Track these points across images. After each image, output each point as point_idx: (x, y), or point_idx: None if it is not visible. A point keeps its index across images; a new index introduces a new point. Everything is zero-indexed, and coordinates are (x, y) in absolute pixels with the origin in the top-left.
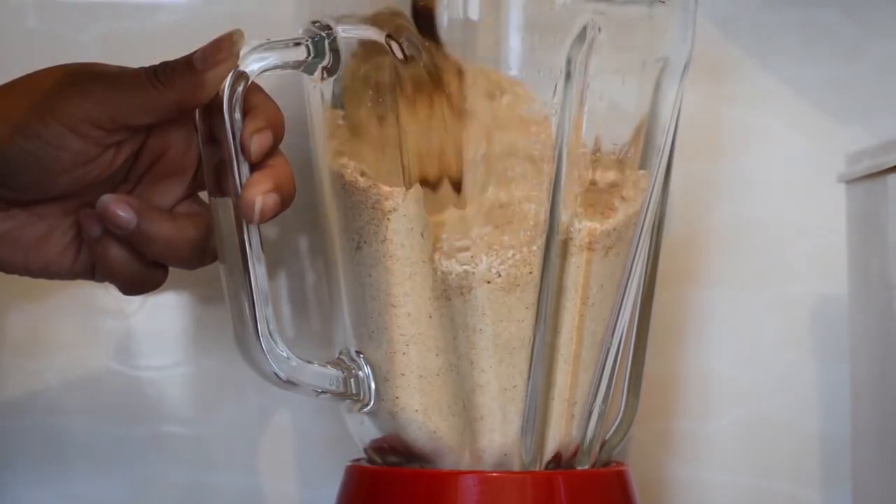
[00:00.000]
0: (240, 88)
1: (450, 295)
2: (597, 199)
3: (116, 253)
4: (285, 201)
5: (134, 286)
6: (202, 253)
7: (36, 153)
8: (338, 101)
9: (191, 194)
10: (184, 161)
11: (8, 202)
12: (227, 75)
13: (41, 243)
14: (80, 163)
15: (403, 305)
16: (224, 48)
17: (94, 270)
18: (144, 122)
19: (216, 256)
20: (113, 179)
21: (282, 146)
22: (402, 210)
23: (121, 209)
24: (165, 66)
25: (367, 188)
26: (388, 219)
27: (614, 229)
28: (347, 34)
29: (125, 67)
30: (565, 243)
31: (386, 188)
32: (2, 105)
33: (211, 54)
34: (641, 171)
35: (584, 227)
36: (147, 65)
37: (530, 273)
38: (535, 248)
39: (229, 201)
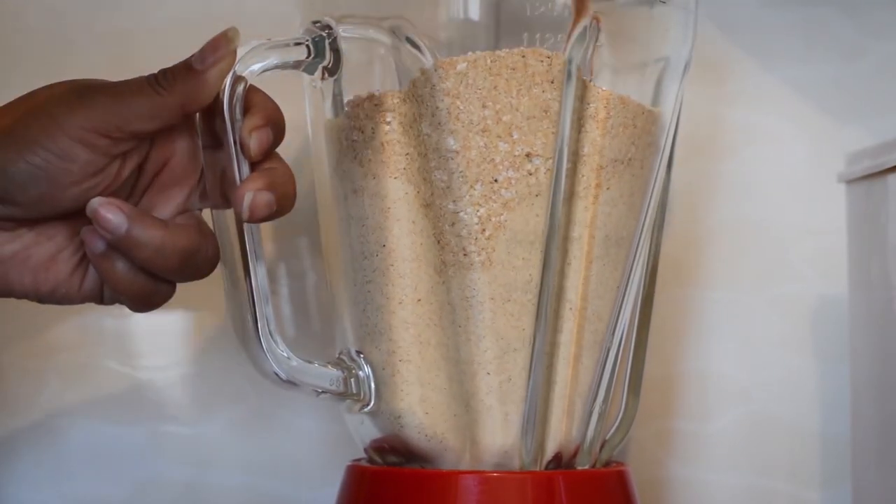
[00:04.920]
0: (240, 88)
1: (451, 285)
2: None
3: (122, 267)
4: (282, 203)
5: (142, 301)
6: (191, 265)
7: (43, 167)
8: (338, 101)
9: (189, 208)
10: (187, 169)
11: (16, 222)
12: (227, 73)
13: (49, 265)
14: (89, 174)
15: (404, 304)
16: (221, 46)
17: (103, 293)
18: (150, 128)
19: (205, 273)
20: (119, 193)
21: (282, 146)
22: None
23: (111, 213)
24: (165, 72)
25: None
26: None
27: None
28: (348, 34)
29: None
30: (566, 237)
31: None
32: (6, 122)
33: (209, 53)
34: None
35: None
36: (146, 63)
37: (530, 274)
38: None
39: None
